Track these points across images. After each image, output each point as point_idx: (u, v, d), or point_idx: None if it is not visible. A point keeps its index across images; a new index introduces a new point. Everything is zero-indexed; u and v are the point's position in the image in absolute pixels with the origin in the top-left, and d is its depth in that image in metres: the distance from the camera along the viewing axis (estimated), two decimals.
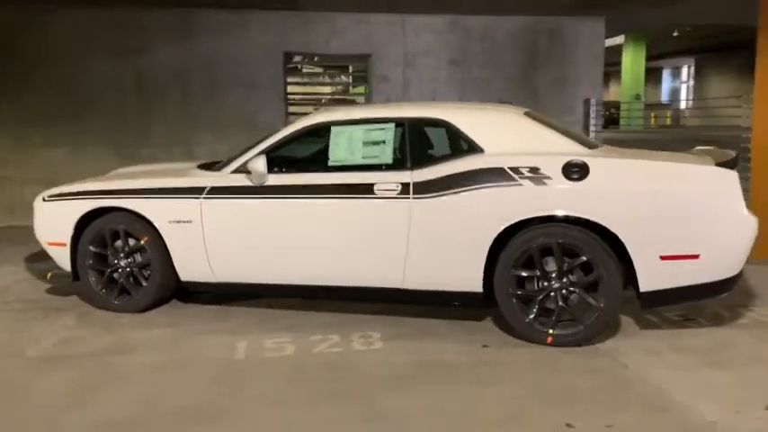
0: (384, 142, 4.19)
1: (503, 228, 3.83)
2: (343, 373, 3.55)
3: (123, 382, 3.46)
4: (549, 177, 3.75)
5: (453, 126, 4.11)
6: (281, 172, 4.37)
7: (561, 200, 3.73)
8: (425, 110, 4.26)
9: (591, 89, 9.62)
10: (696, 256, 3.64)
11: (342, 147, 4.26)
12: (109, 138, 8.60)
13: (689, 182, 3.68)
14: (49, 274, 4.94)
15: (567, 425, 2.90)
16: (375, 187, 4.04)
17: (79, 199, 4.63)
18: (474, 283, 3.96)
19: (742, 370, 3.48)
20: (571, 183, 3.72)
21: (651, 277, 3.69)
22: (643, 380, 3.36)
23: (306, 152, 4.95)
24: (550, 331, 3.83)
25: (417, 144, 4.15)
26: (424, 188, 3.96)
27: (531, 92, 9.43)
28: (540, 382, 3.37)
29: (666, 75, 32.52)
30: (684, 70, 32.95)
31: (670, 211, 3.64)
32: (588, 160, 3.77)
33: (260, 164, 4.14)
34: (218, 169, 4.51)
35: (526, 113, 4.24)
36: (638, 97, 27.53)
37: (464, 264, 3.94)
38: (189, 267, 4.48)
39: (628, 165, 3.79)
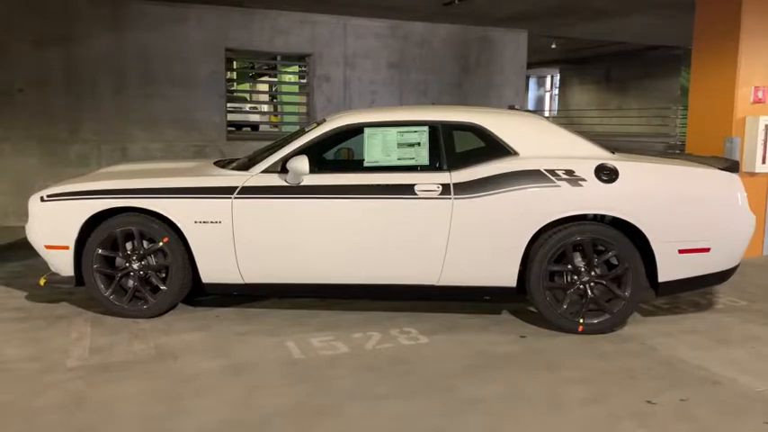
0: (419, 144, 4.35)
1: (541, 226, 4.13)
2: (409, 366, 3.68)
3: (200, 387, 3.37)
4: (583, 179, 4.10)
5: (487, 130, 4.35)
6: (313, 172, 4.36)
7: (595, 200, 4.09)
8: (458, 114, 4.46)
9: (515, 95, 10.25)
10: (707, 250, 4.14)
11: (377, 148, 4.36)
12: (33, 132, 7.98)
13: (703, 184, 4.18)
14: (42, 280, 4.59)
15: (648, 401, 3.24)
16: (416, 188, 4.19)
17: (87, 198, 4.37)
18: (509, 278, 4.23)
19: (748, 346, 4.01)
20: (603, 184, 4.10)
21: (669, 269, 4.15)
22: (678, 359, 3.79)
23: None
24: (581, 320, 4.18)
25: (452, 147, 4.35)
26: (464, 189, 4.17)
27: (463, 96, 9.89)
28: (594, 365, 3.70)
29: (533, 84, 34.72)
30: (548, 80, 35.23)
31: (687, 210, 4.12)
32: (616, 164, 4.16)
33: (303, 164, 4.14)
34: (245, 168, 4.44)
35: (545, 119, 4.57)
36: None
37: (502, 260, 4.19)
38: (214, 269, 4.38)
39: (651, 168, 4.23)
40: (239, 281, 4.40)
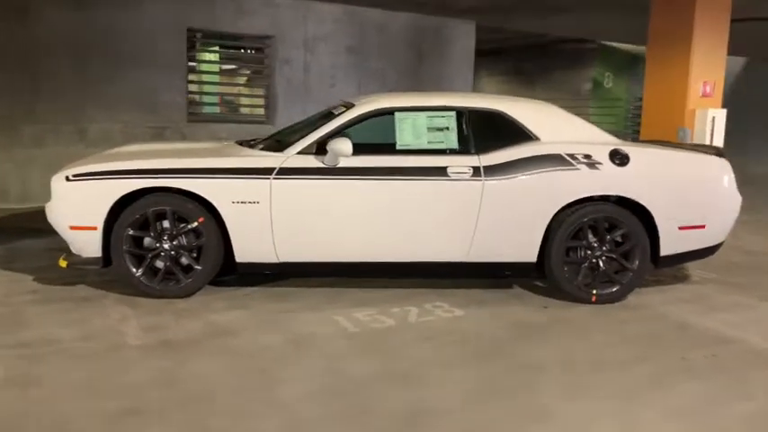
0: (448, 129, 4.60)
1: (562, 206, 4.50)
2: (460, 336, 3.94)
3: (277, 360, 3.48)
4: (600, 163, 4.51)
5: (510, 117, 4.67)
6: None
7: (610, 182, 4.51)
8: (483, 101, 4.75)
9: (464, 84, 10.67)
10: (703, 227, 4.67)
11: (408, 132, 4.58)
12: None
13: (701, 168, 4.70)
14: (63, 262, 4.48)
15: (682, 358, 3.68)
16: (448, 170, 4.45)
17: (118, 178, 4.32)
18: (531, 254, 4.59)
19: (736, 312, 4.58)
20: (617, 167, 4.52)
21: (670, 244, 4.65)
22: (689, 323, 4.28)
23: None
24: (594, 291, 4.61)
25: (478, 131, 4.63)
26: (493, 171, 4.47)
27: (418, 83, 10.20)
28: (619, 331, 4.12)
29: None
30: None
31: (687, 191, 4.62)
32: (626, 149, 4.60)
33: (347, 146, 4.28)
34: (277, 149, 4.53)
35: (558, 107, 4.95)
36: None
37: (526, 237, 4.54)
38: (250, 249, 4.45)
39: (657, 153, 4.70)
40: (274, 260, 4.50)
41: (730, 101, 9.25)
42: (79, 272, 4.79)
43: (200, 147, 4.98)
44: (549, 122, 4.71)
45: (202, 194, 4.33)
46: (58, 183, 4.37)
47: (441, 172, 4.45)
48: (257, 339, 3.79)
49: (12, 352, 3.45)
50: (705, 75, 7.09)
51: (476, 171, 4.46)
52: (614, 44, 17.48)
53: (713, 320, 4.36)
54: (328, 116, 4.76)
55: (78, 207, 4.35)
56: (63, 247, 4.62)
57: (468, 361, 3.57)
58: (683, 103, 7.07)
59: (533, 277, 5.15)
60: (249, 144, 4.94)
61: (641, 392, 3.22)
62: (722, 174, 4.70)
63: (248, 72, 9.50)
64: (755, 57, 14.32)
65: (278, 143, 4.68)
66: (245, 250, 4.46)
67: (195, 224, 4.37)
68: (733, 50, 14.17)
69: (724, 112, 7.13)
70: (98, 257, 4.41)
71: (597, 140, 4.68)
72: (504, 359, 3.61)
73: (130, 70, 8.20)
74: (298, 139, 4.55)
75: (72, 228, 4.37)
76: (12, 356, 3.39)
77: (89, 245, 4.39)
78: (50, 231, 5.85)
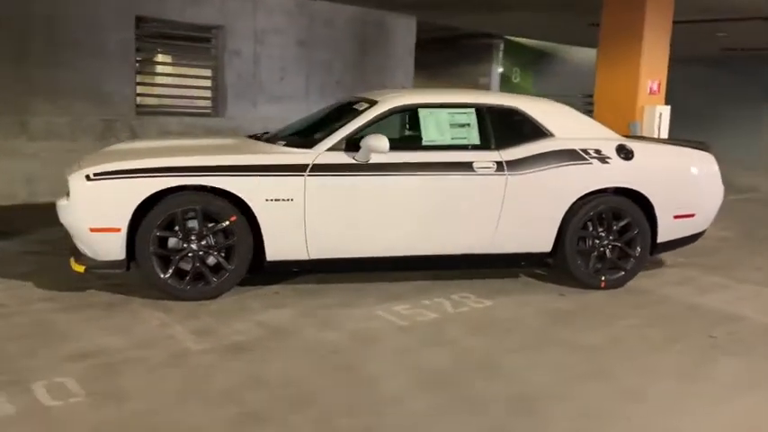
0: (469, 125, 4.75)
1: (576, 198, 4.78)
2: (505, 325, 4.11)
3: (358, 356, 3.50)
4: (609, 157, 4.82)
5: (526, 113, 4.88)
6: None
7: (618, 175, 4.84)
8: (499, 98, 4.93)
9: (405, 77, 10.84)
10: (693, 215, 5.11)
11: (433, 128, 4.68)
12: None
13: (693, 161, 5.12)
14: (79, 266, 4.21)
15: (710, 336, 4.05)
16: (474, 165, 4.60)
17: (146, 176, 4.12)
18: (547, 244, 4.83)
19: (724, 292, 5.05)
20: (624, 162, 4.85)
21: (666, 232, 5.04)
22: (695, 304, 4.68)
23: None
24: (603, 278, 4.93)
25: (497, 127, 4.80)
26: (514, 166, 4.66)
27: (362, 76, 10.26)
28: (640, 314, 4.44)
29: None
30: None
31: (682, 183, 5.04)
32: (630, 144, 4.94)
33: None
34: (302, 146, 4.49)
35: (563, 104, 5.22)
36: None
37: (543, 229, 4.78)
38: (282, 246, 4.38)
39: (656, 148, 5.08)
40: (305, 257, 4.46)
41: None
42: (108, 275, 4.50)
43: (216, 143, 4.84)
44: (560, 119, 4.96)
45: (236, 192, 4.22)
46: (77, 182, 4.09)
47: (467, 167, 4.58)
48: (319, 337, 3.77)
49: (75, 365, 3.23)
50: (652, 74, 7.67)
51: (499, 166, 4.63)
52: (521, 40, 18.27)
53: (711, 300, 4.79)
54: (351, 112, 4.76)
55: (101, 208, 4.11)
56: (41, 251, 4.38)
57: (528, 347, 3.75)
58: (633, 100, 7.61)
59: (534, 266, 5.40)
60: (266, 140, 4.85)
61: (697, 370, 3.53)
62: (710, 166, 5.16)
63: (198, 63, 9.15)
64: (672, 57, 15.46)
65: (303, 139, 4.63)
66: (277, 248, 4.39)
67: (227, 223, 4.25)
68: None
69: (668, 108, 7.75)
70: (120, 260, 4.19)
71: (604, 136, 5.00)
72: (561, 345, 3.81)
73: (76, 59, 7.68)
74: (325, 136, 4.52)
75: (93, 230, 4.12)
76: (79, 369, 3.19)
77: (111, 247, 4.15)
78: (16, 232, 5.52)
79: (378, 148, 4.32)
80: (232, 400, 2.94)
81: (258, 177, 4.25)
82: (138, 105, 8.29)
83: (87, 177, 4.09)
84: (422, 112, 4.70)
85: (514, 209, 4.68)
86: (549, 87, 17.60)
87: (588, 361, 3.58)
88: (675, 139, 5.47)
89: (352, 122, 4.57)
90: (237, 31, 8.91)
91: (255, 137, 5.07)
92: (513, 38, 18.42)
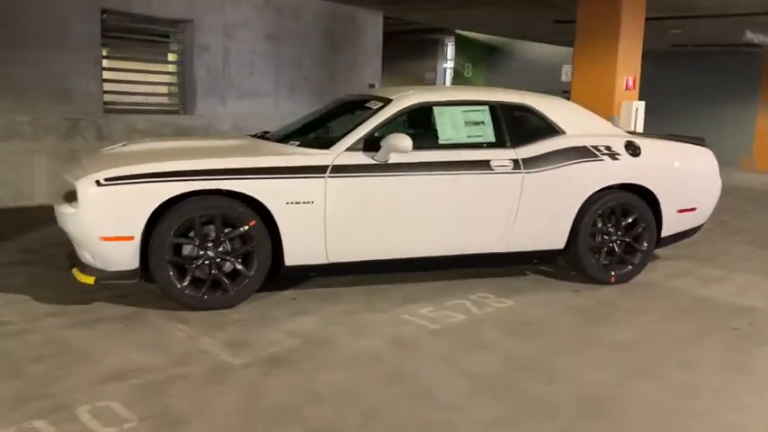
0: (483, 123, 4.69)
1: (589, 195, 4.80)
2: (534, 326, 4.08)
3: (402, 363, 3.40)
4: (619, 154, 4.87)
5: (538, 111, 4.86)
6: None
7: (628, 171, 4.89)
8: (509, 95, 4.89)
9: (373, 73, 10.73)
10: (695, 209, 5.22)
11: (448, 126, 4.60)
12: None
13: (694, 157, 5.23)
14: (87, 278, 3.95)
15: (734, 328, 4.14)
16: (491, 163, 4.56)
17: (160, 181, 3.89)
18: (560, 242, 4.84)
19: (723, 283, 5.18)
20: (633, 158, 4.91)
21: (669, 226, 5.14)
22: (703, 296, 4.78)
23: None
24: (612, 273, 4.98)
25: (511, 125, 4.77)
26: (530, 164, 4.64)
27: (331, 73, 10.10)
28: (657, 308, 4.50)
29: None
30: None
31: (685, 178, 5.14)
32: (637, 140, 5.00)
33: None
34: (315, 146, 4.35)
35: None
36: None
37: (558, 226, 4.78)
38: (301, 250, 4.23)
39: (661, 144, 5.15)
40: (323, 261, 4.32)
41: None
42: (122, 286, 4.22)
43: (226, 144, 4.63)
44: (570, 116, 4.97)
45: (255, 196, 4.04)
46: (86, 187, 3.82)
47: (485, 165, 4.54)
48: (357, 345, 3.65)
49: (115, 386, 3.01)
50: (627, 69, 7.83)
51: (515, 164, 4.60)
52: (473, 36, 18.40)
53: (716, 292, 4.91)
54: (363, 111, 4.63)
55: (112, 215, 3.85)
56: (27, 260, 4.15)
57: (568, 347, 3.73)
58: (611, 96, 7.74)
59: (540, 264, 5.40)
60: (276, 140, 4.67)
61: (736, 362, 3.59)
62: (710, 161, 5.28)
63: (166, 59, 8.78)
64: None
65: (319, 139, 4.49)
66: (296, 252, 4.23)
67: (246, 228, 4.06)
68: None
69: (643, 103, 7.92)
70: (133, 270, 3.95)
71: (611, 132, 5.04)
72: (597, 343, 3.81)
73: (39, 54, 7.23)
74: (343, 135, 4.38)
75: (104, 239, 3.86)
76: (120, 391, 2.97)
77: (123, 257, 3.91)
78: None
79: (401, 147, 4.22)
80: (294, 419, 2.79)
81: (278, 180, 4.08)
82: (105, 103, 7.88)
83: (98, 183, 3.83)
84: (436, 110, 4.62)
85: (530, 207, 4.66)
86: (501, 82, 17.81)
87: (630, 358, 3.60)
88: (673, 134, 5.58)
89: (368, 122, 4.44)
90: (206, 25, 8.60)
91: (257, 137, 4.87)
92: (464, 33, 18.53)
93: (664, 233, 5.14)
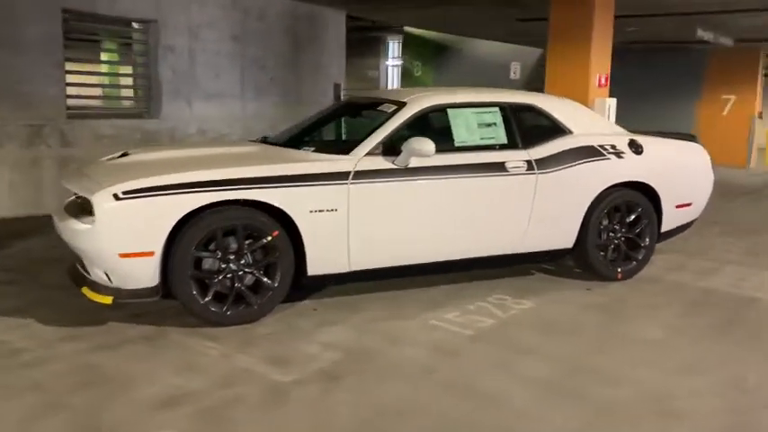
0: (495, 124, 4.68)
1: (597, 193, 4.85)
2: (562, 326, 4.09)
3: (457, 373, 3.34)
4: (624, 152, 4.95)
5: (545, 111, 4.88)
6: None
7: (632, 170, 4.97)
8: (519, 96, 4.89)
9: (338, 74, 10.59)
10: (690, 204, 5.37)
11: (462, 128, 4.57)
12: None
13: (690, 153, 5.37)
14: (105, 297, 3.71)
15: (748, 319, 4.27)
16: (506, 165, 4.55)
17: (182, 193, 3.69)
18: (570, 240, 4.88)
19: (719, 275, 5.35)
20: (636, 156, 5.00)
21: (668, 221, 5.26)
22: (707, 288, 4.92)
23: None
24: (619, 269, 5.06)
25: (521, 126, 4.77)
26: (543, 164, 4.66)
27: (296, 73, 9.90)
28: (674, 302, 4.59)
29: None
30: None
31: (682, 174, 5.28)
32: (639, 139, 5.09)
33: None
34: (332, 151, 4.24)
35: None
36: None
37: (568, 225, 4.82)
38: (324, 260, 4.11)
39: (661, 142, 5.26)
40: (345, 269, 4.21)
41: (530, 88, 10.32)
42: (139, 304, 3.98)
43: (239, 151, 4.44)
44: (575, 115, 5.02)
45: (280, 205, 3.89)
46: (103, 202, 3.58)
47: (500, 167, 4.52)
48: (400, 355, 3.57)
49: (170, 415, 2.83)
50: (600, 67, 7.99)
51: (529, 165, 4.61)
52: (422, 34, 18.45)
53: (716, 284, 5.07)
54: (382, 115, 4.53)
55: (133, 230, 3.63)
56: (13, 279, 3.96)
57: (603, 347, 3.75)
58: (585, 93, 7.88)
59: (545, 262, 5.43)
60: (282, 145, 4.53)
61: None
62: (704, 157, 5.44)
63: (131, 61, 8.39)
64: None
65: (335, 145, 4.36)
66: (319, 262, 4.10)
67: (269, 239, 3.91)
68: (532, 43, 15.89)
69: (614, 100, 8.11)
70: (153, 287, 3.74)
71: (614, 131, 5.12)
72: (631, 340, 3.87)
73: None
74: (361, 140, 4.27)
75: (123, 255, 3.63)
76: (178, 420, 2.79)
77: (143, 274, 3.69)
78: None
79: (425, 151, 4.15)
80: None
81: (301, 188, 3.95)
82: (68, 108, 7.47)
83: (116, 196, 3.59)
84: (451, 113, 4.57)
85: (543, 207, 4.68)
86: (451, 81, 17.94)
87: (671, 355, 3.65)
88: (666, 132, 5.72)
89: (384, 125, 4.36)
90: (171, 26, 8.26)
91: (258, 142, 4.72)
92: (413, 31, 18.56)
93: (663, 228, 5.26)
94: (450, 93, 4.73)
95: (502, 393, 3.12)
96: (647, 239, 5.14)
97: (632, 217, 5.06)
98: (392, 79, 25.96)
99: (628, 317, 4.29)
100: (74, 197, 4.35)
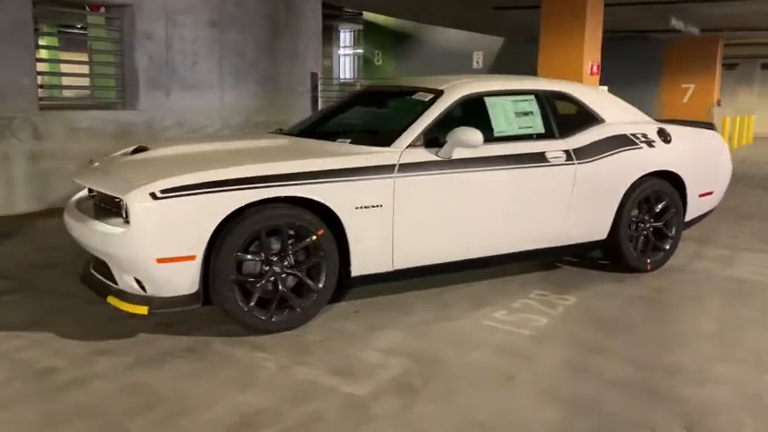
0: (532, 113, 4.50)
1: (630, 183, 4.74)
2: (617, 322, 3.94)
3: (539, 378, 3.15)
4: (654, 141, 4.85)
5: (578, 99, 4.73)
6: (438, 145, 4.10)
7: (663, 158, 4.88)
8: (552, 84, 4.71)
9: (314, 63, 10.24)
10: (711, 193, 5.33)
11: (501, 117, 4.37)
12: None
13: (711, 141, 5.31)
14: (139, 307, 3.36)
15: None
16: (546, 155, 4.38)
17: (226, 190, 3.37)
18: (604, 232, 4.76)
19: (740, 263, 5.34)
20: (666, 145, 4.91)
21: (692, 210, 5.21)
22: (736, 277, 4.88)
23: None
24: (648, 260, 4.97)
25: (556, 115, 4.60)
26: (581, 154, 4.51)
27: (274, 60, 9.52)
28: (713, 292, 4.53)
29: None
30: None
31: (706, 162, 5.22)
32: (666, 127, 5.00)
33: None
34: (384, 144, 3.96)
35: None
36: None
37: (604, 216, 4.69)
38: (369, 259, 3.85)
39: (686, 131, 5.18)
40: (388, 269, 3.96)
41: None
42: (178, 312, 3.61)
43: (268, 144, 4.13)
44: (605, 103, 4.89)
45: (326, 202, 3.61)
46: (140, 201, 3.22)
47: (541, 158, 4.35)
48: (466, 359, 3.35)
49: None
50: (591, 56, 7.93)
51: (567, 155, 4.45)
52: (382, 23, 18.19)
53: (742, 272, 5.06)
54: (419, 104, 4.27)
55: (173, 232, 3.29)
56: (15, 288, 3.62)
57: (664, 342, 3.63)
58: (579, 80, 7.80)
59: (572, 256, 5.30)
60: (314, 138, 4.25)
61: None
62: (723, 146, 5.40)
63: (106, 49, 7.84)
64: (513, 39, 16.20)
65: (370, 136, 4.10)
66: (364, 261, 3.84)
67: (314, 238, 3.62)
68: (499, 33, 15.86)
69: (606, 87, 8.06)
70: (193, 294, 3.41)
71: (643, 120, 5.02)
72: (687, 334, 3.78)
73: None
74: (401, 131, 4.02)
75: (160, 260, 3.28)
76: None
77: (183, 280, 3.36)
78: None
79: (472, 142, 3.93)
80: None
81: (346, 183, 3.67)
82: (40, 99, 6.92)
83: (153, 195, 3.24)
84: (488, 101, 4.36)
85: (582, 198, 4.54)
86: (412, 70, 17.76)
87: (735, 348, 3.56)
88: (686, 120, 5.67)
89: (424, 115, 4.11)
90: (147, 11, 7.76)
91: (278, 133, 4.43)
92: (373, 20, 18.28)
93: (687, 218, 5.20)
94: (486, 80, 4.52)
95: (595, 397, 2.94)
96: (674, 229, 5.06)
97: (659, 207, 4.97)
98: (344, 68, 25.57)
99: (675, 310, 4.20)
100: (86, 194, 3.98)
